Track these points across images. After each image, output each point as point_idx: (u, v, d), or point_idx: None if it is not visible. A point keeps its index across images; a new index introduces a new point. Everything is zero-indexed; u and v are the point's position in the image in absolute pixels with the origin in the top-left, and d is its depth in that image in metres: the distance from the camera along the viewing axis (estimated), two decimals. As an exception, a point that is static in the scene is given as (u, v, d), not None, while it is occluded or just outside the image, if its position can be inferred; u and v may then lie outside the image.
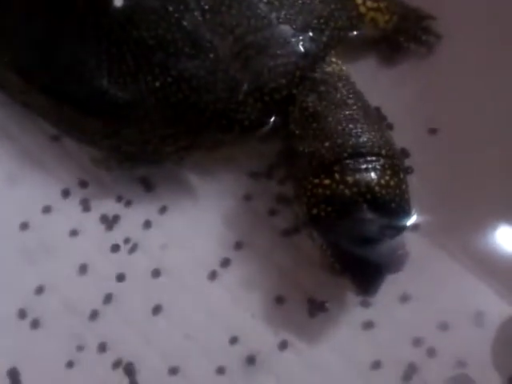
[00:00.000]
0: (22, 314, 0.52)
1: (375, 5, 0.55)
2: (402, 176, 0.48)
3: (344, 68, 0.52)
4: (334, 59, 0.52)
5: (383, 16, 0.55)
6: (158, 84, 0.49)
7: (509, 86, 0.57)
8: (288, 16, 0.50)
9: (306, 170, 0.49)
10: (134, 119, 0.51)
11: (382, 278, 0.47)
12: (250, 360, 0.51)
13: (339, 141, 0.48)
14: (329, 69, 0.51)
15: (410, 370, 0.50)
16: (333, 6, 0.52)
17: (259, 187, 0.56)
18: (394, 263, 0.47)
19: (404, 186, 0.48)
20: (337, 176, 0.47)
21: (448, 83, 0.57)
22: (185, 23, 0.49)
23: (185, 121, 0.51)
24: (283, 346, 0.51)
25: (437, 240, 0.52)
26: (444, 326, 0.51)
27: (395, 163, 0.48)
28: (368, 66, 0.58)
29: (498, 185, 0.54)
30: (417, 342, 0.51)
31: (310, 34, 0.50)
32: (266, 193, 0.55)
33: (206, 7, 0.49)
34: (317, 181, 0.48)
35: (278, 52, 0.50)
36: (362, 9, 0.54)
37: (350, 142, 0.48)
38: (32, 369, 0.51)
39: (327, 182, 0.48)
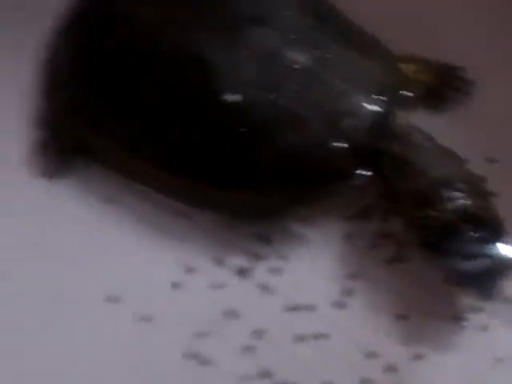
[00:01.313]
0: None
1: (416, 67, 0.67)
2: (489, 197, 0.60)
3: (410, 119, 0.64)
4: (400, 113, 0.63)
5: (424, 74, 0.67)
6: (268, 155, 0.60)
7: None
8: (358, 85, 0.62)
9: (409, 207, 0.60)
10: (252, 189, 0.62)
11: (497, 282, 0.57)
12: (389, 368, 0.61)
13: (431, 175, 0.59)
14: (400, 121, 0.62)
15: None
16: (388, 72, 0.64)
17: (357, 227, 0.66)
18: (504, 267, 0.58)
19: (494, 205, 0.59)
20: (439, 207, 0.59)
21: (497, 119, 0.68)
22: (282, 103, 0.60)
23: (293, 181, 0.62)
24: (417, 357, 0.60)
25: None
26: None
27: (482, 187, 0.60)
28: (420, 117, 0.69)
29: None
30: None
31: (378, 96, 0.62)
32: (364, 231, 0.66)
33: (296, 89, 0.60)
34: (423, 214, 0.59)
35: (358, 114, 0.61)
36: (407, 72, 0.66)
37: (441, 174, 0.59)
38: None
39: (433, 214, 0.59)
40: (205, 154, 0.62)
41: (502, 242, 0.59)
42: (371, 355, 0.61)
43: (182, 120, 0.62)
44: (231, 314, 0.63)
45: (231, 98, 0.60)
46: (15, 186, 0.68)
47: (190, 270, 0.65)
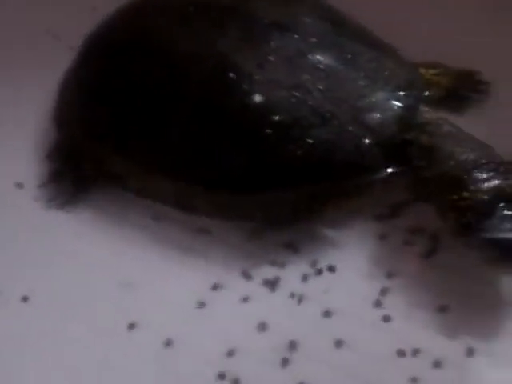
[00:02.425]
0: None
1: (435, 71, 0.68)
2: None
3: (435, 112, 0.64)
4: (426, 108, 0.63)
5: (444, 78, 0.68)
6: (299, 152, 0.59)
7: None
8: (382, 82, 0.62)
9: (442, 192, 0.59)
10: (282, 188, 0.61)
11: None
12: (437, 364, 0.57)
13: (461, 158, 0.59)
14: (426, 114, 0.63)
15: None
16: (410, 72, 0.65)
17: (389, 226, 0.64)
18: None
19: None
20: (472, 187, 0.57)
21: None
22: (310, 102, 0.60)
23: (324, 178, 0.61)
24: (469, 352, 0.57)
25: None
26: None
27: (510, 167, 0.58)
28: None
29: None
30: None
31: (403, 92, 0.63)
32: (396, 229, 0.63)
33: (322, 87, 0.60)
34: (456, 197, 0.57)
35: (385, 109, 0.61)
36: (427, 75, 0.67)
37: (471, 157, 0.59)
38: None
39: (466, 194, 0.57)
40: (232, 160, 0.61)
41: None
42: (417, 352, 0.57)
43: (209, 129, 0.61)
44: (263, 328, 0.60)
45: (259, 99, 0.60)
46: (30, 218, 0.66)
47: (215, 287, 0.62)
